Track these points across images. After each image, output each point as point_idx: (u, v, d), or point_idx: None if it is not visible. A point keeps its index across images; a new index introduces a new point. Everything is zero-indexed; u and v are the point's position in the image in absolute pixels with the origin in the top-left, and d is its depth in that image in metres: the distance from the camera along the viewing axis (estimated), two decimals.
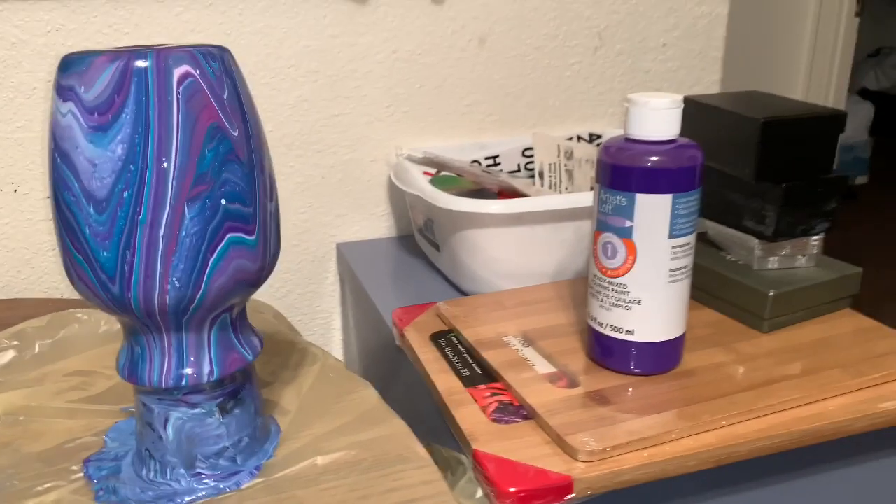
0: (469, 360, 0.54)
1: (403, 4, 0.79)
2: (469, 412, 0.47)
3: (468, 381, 0.51)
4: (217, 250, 0.38)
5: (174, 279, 0.37)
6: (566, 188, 0.80)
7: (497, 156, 0.84)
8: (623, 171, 0.47)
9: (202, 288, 0.38)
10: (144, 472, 0.44)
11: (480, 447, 0.44)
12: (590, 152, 0.77)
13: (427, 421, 0.49)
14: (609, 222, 0.48)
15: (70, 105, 0.36)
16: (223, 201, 0.38)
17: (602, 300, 0.50)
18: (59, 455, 0.46)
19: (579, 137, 0.88)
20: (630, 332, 0.49)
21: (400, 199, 0.85)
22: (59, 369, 0.57)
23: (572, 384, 0.50)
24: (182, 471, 0.43)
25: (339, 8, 0.77)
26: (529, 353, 0.54)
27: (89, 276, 0.38)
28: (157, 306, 0.38)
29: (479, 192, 0.71)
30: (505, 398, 0.49)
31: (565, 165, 0.80)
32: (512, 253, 0.64)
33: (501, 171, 0.83)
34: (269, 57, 0.76)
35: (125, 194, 0.36)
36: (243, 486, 0.43)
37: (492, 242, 0.63)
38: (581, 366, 0.52)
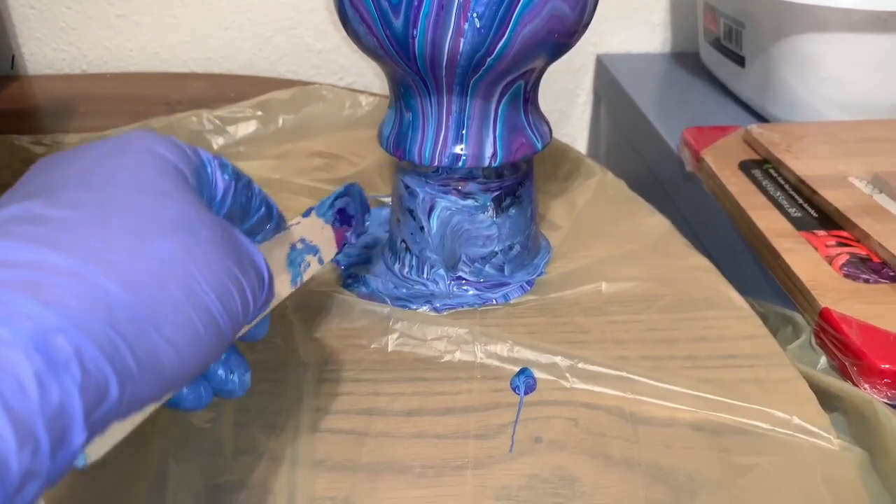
0: (797, 198, 0.41)
1: None
2: (806, 261, 0.35)
3: (800, 224, 0.38)
4: None
5: (474, 15, 0.28)
6: None
7: None
8: None
9: (507, 34, 0.28)
10: (398, 267, 0.37)
11: (832, 306, 0.32)
12: None
13: (724, 269, 0.38)
14: None
15: None
16: None
17: None
18: None
19: None
20: None
21: (684, 5, 0.70)
22: (302, 148, 0.52)
23: None
24: (441, 271, 0.36)
25: None
26: (884, 201, 0.40)
27: (367, 6, 0.29)
28: (446, 53, 0.29)
29: None
30: (858, 251, 0.36)
31: None
32: (861, 72, 0.47)
33: None
34: None
35: None
36: (512, 301, 0.35)
37: (834, 54, 0.47)
38: None
